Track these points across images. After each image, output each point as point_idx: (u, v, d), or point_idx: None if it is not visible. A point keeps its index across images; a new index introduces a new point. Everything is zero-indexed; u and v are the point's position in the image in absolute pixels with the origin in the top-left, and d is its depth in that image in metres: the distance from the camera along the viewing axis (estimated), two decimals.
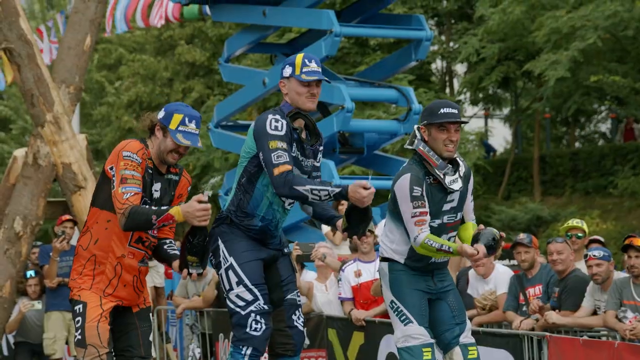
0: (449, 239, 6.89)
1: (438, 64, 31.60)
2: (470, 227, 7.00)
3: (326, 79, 6.72)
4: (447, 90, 30.93)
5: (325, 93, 13.58)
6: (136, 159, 6.23)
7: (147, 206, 6.26)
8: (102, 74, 32.68)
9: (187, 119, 6.28)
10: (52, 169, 11.97)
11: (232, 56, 16.09)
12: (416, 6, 27.31)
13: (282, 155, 6.46)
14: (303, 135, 6.70)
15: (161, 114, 6.35)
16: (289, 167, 6.45)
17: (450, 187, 6.82)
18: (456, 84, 31.94)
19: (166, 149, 6.31)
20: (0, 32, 11.84)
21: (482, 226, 6.92)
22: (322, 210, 6.90)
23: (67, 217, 11.95)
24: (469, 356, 6.96)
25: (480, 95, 29.30)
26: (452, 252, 6.78)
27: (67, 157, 11.88)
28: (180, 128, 6.27)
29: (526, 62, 24.59)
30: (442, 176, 6.80)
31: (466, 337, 7.00)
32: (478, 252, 6.75)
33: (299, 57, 6.69)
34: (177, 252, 6.48)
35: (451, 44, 30.00)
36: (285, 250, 6.86)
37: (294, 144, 6.62)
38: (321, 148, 6.88)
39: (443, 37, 30.57)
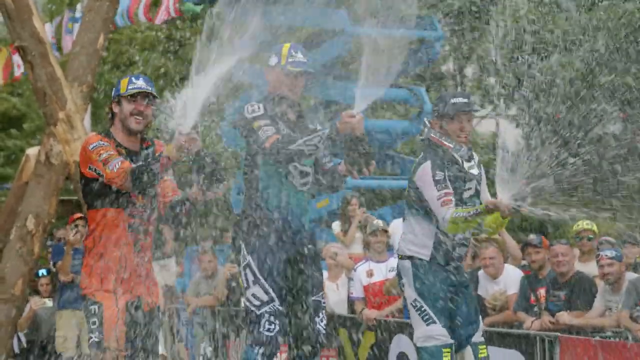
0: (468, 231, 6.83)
1: (449, 66, 31.52)
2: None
3: (311, 70, 6.64)
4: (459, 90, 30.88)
5: (337, 93, 13.54)
6: (103, 144, 6.28)
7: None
8: (116, 74, 32.73)
9: (133, 79, 6.40)
10: (65, 168, 11.97)
11: None
12: (428, 6, 27.24)
13: (267, 130, 6.42)
14: (291, 116, 6.64)
15: (112, 94, 6.44)
16: (277, 136, 6.39)
17: (470, 171, 6.81)
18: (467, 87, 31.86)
19: (126, 114, 6.35)
20: (13, 30, 11.86)
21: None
22: (332, 180, 6.77)
23: (79, 215, 11.98)
24: (480, 355, 6.97)
25: (491, 97, 29.23)
26: (481, 211, 6.50)
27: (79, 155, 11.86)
28: (129, 87, 6.36)
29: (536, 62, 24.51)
30: (459, 158, 6.77)
31: (477, 337, 7.00)
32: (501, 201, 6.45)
33: (286, 47, 6.63)
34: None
35: (463, 45, 29.93)
36: (310, 247, 6.71)
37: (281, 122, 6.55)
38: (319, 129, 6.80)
39: (455, 39, 30.50)
